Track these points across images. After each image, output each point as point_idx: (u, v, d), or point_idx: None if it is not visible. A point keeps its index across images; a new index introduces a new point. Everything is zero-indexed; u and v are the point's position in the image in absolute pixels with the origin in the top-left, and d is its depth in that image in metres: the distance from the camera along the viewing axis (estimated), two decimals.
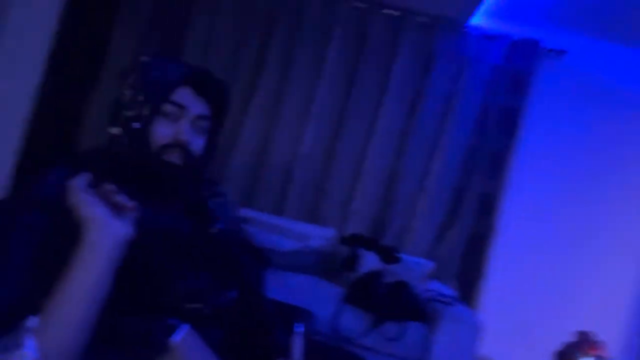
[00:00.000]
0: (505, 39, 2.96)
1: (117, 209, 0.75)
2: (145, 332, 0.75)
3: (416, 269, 2.46)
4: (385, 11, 2.95)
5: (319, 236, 2.64)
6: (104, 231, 0.73)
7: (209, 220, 1.01)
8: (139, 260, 0.82)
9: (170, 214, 0.93)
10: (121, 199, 0.75)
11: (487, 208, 2.89)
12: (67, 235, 0.77)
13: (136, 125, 0.87)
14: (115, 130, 0.90)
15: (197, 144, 0.93)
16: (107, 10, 2.95)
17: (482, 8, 2.86)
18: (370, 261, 2.38)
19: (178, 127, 0.90)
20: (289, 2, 2.94)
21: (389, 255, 2.41)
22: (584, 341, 2.45)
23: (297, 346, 0.85)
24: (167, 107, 0.89)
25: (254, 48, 2.97)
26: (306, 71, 2.95)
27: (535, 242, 2.94)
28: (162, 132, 0.89)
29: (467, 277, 2.85)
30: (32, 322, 0.67)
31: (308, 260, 2.55)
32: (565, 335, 2.56)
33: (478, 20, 2.97)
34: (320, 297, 2.17)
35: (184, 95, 0.91)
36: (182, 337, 0.74)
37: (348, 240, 2.54)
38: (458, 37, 2.96)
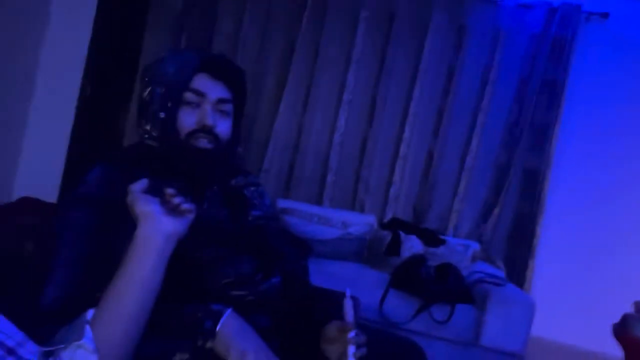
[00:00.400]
0: (543, 6, 2.81)
1: (175, 210, 0.77)
2: (191, 318, 0.75)
3: (461, 251, 2.40)
4: None
5: (360, 223, 2.62)
6: (156, 227, 0.75)
7: (246, 208, 1.02)
8: (182, 250, 0.83)
9: (208, 202, 0.95)
10: (179, 200, 0.77)
11: (532, 184, 2.78)
12: (114, 228, 0.79)
13: (162, 115, 0.89)
14: (144, 126, 0.92)
15: (223, 127, 0.94)
16: (138, 13, 3.01)
17: None
18: (413, 245, 2.34)
19: (201, 112, 0.91)
20: None
21: (432, 238, 2.36)
22: None
23: (349, 308, 0.84)
24: (188, 95, 0.91)
25: (281, 38, 2.96)
26: (335, 57, 2.91)
27: (585, 215, 2.80)
28: (186, 120, 0.90)
29: (516, 256, 2.76)
30: (90, 314, 0.69)
31: (350, 247, 2.54)
32: (622, 309, 2.43)
33: None
34: (365, 284, 2.15)
35: (202, 81, 0.92)
36: (225, 320, 0.75)
37: (389, 225, 2.51)
38: (491, 9, 2.84)
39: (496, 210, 2.78)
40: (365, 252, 2.56)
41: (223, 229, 0.95)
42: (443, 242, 2.39)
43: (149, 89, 0.92)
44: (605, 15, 2.80)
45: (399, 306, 2.04)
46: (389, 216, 2.83)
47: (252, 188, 1.08)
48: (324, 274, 1.91)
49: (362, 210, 2.88)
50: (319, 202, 2.91)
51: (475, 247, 2.52)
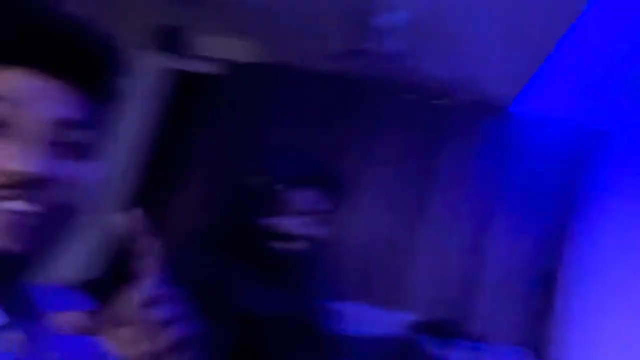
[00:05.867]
0: (553, 123, 2.92)
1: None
2: None
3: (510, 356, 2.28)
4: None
5: (397, 323, 2.54)
6: None
7: (311, 300, 1.04)
8: (255, 345, 0.85)
9: (278, 296, 0.98)
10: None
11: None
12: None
13: (263, 221, 0.95)
14: (240, 222, 0.98)
15: (320, 234, 1.00)
16: (193, 120, 3.19)
17: (527, 91, 2.84)
18: (458, 350, 2.24)
19: (301, 222, 0.97)
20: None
21: (478, 342, 2.27)
22: None
23: None
24: (292, 205, 0.97)
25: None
26: (383, 157, 3.00)
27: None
28: (287, 226, 0.96)
29: None
30: None
31: (387, 349, 2.44)
32: None
33: (523, 103, 2.95)
34: None
35: (306, 194, 0.99)
36: None
37: (428, 327, 2.43)
38: (503, 121, 2.97)
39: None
40: (403, 355, 2.46)
41: (294, 322, 0.97)
42: (490, 347, 2.29)
43: (251, 186, 0.99)
44: (608, 133, 2.87)
45: None
46: (427, 317, 2.75)
47: (313, 278, 1.11)
48: None
49: (399, 309, 2.81)
50: (353, 298, 2.85)
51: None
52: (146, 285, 0.45)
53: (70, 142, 0.46)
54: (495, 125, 2.99)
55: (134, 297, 0.43)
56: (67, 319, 0.41)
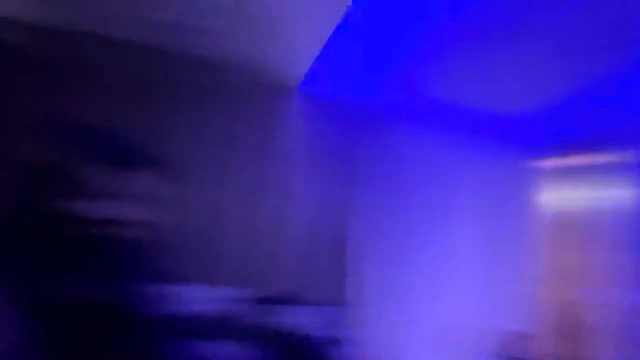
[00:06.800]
0: (340, 101, 3.19)
1: None
2: None
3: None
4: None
5: (218, 298, 2.58)
6: None
7: (128, 284, 1.00)
8: (68, 334, 0.80)
9: (88, 282, 0.93)
10: None
11: None
12: None
13: (62, 204, 0.86)
14: (38, 205, 0.89)
15: (131, 217, 0.96)
16: None
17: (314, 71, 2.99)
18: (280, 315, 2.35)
19: (105, 204, 0.93)
20: None
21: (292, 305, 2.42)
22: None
23: None
24: (93, 187, 0.92)
25: None
26: None
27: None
28: (91, 209, 0.90)
29: None
30: None
31: (210, 324, 2.47)
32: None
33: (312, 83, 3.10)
34: None
35: (109, 175, 0.99)
36: None
37: (252, 300, 2.51)
38: (294, 102, 3.12)
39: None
40: (227, 327, 2.51)
41: None
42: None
43: (59, 157, 0.87)
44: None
45: None
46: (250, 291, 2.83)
47: None
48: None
49: (214, 284, 2.81)
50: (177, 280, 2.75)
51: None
52: None
53: None
54: (287, 104, 3.14)
55: None
56: None
